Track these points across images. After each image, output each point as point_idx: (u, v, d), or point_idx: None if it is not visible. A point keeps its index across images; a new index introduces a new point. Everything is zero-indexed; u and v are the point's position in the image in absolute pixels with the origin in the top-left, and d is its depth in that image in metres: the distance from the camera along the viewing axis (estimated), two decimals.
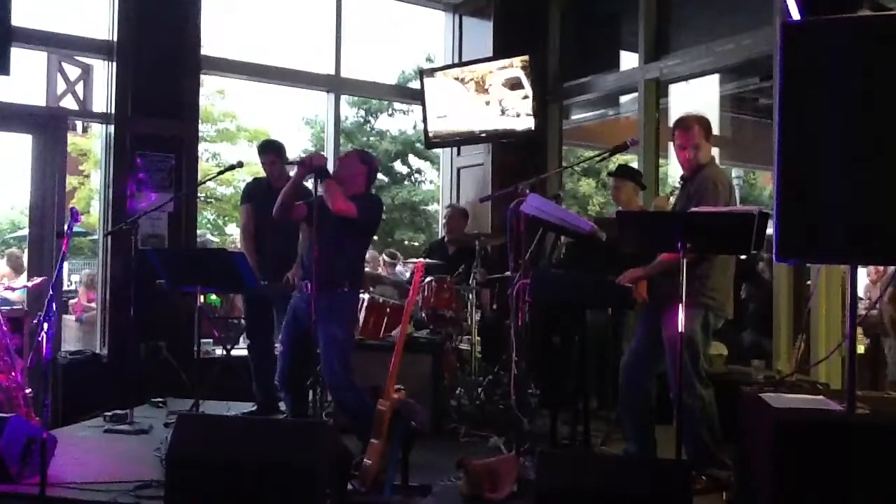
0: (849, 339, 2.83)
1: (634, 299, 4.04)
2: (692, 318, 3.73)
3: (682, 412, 3.51)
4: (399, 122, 20.43)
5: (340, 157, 4.39)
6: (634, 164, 6.86)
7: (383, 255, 8.98)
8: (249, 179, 6.57)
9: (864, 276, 7.35)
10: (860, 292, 6.54)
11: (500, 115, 7.07)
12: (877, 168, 2.65)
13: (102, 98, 6.40)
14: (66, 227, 3.83)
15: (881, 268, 7.15)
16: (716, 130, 9.54)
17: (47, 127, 6.25)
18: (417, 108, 7.68)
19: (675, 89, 6.95)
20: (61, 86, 6.45)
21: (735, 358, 5.66)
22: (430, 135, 7.47)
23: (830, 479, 2.61)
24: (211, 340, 6.64)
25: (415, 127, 19.01)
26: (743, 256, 4.13)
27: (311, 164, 4.13)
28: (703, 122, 4.04)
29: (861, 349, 6.50)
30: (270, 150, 5.55)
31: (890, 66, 2.65)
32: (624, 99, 7.92)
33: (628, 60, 7.34)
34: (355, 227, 4.25)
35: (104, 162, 6.45)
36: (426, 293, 5.69)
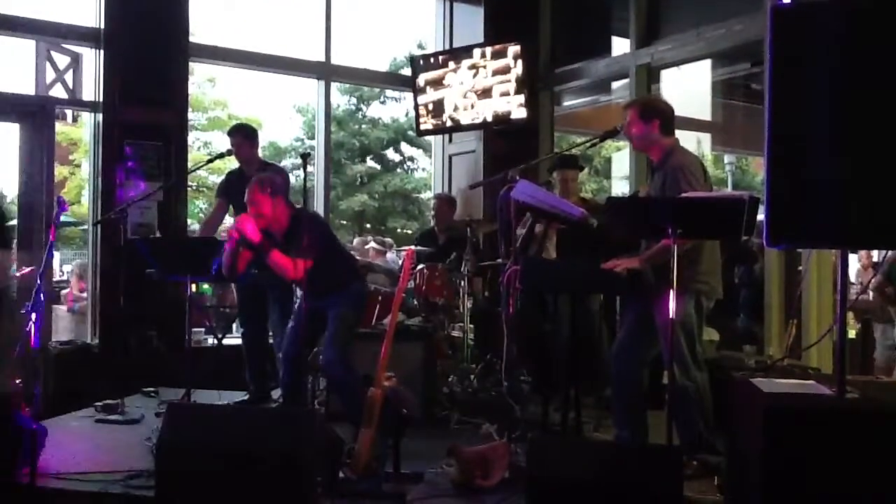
0: (839, 324, 2.83)
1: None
2: (686, 303, 3.72)
3: (673, 397, 3.52)
4: (391, 109, 20.41)
5: (247, 198, 4.22)
6: (626, 151, 6.86)
7: (372, 242, 8.80)
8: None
9: (854, 260, 7.39)
10: (851, 277, 6.55)
11: (492, 102, 7.04)
12: (867, 153, 2.64)
13: (92, 87, 6.36)
14: (53, 216, 3.81)
15: (872, 252, 7.19)
16: (707, 116, 9.58)
17: (35, 116, 6.19)
18: (409, 96, 7.65)
19: (666, 75, 6.93)
20: (50, 74, 6.40)
21: (727, 343, 5.67)
22: (422, 122, 7.44)
23: (820, 464, 2.62)
24: (202, 329, 6.62)
25: (407, 114, 18.98)
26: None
27: (238, 238, 4.16)
28: (645, 104, 3.99)
29: (852, 334, 6.53)
30: (237, 133, 5.41)
31: (880, 50, 2.63)
32: (616, 85, 7.90)
33: (620, 46, 7.33)
34: (318, 252, 4.15)
35: (93, 151, 6.40)
36: (418, 281, 5.69)
